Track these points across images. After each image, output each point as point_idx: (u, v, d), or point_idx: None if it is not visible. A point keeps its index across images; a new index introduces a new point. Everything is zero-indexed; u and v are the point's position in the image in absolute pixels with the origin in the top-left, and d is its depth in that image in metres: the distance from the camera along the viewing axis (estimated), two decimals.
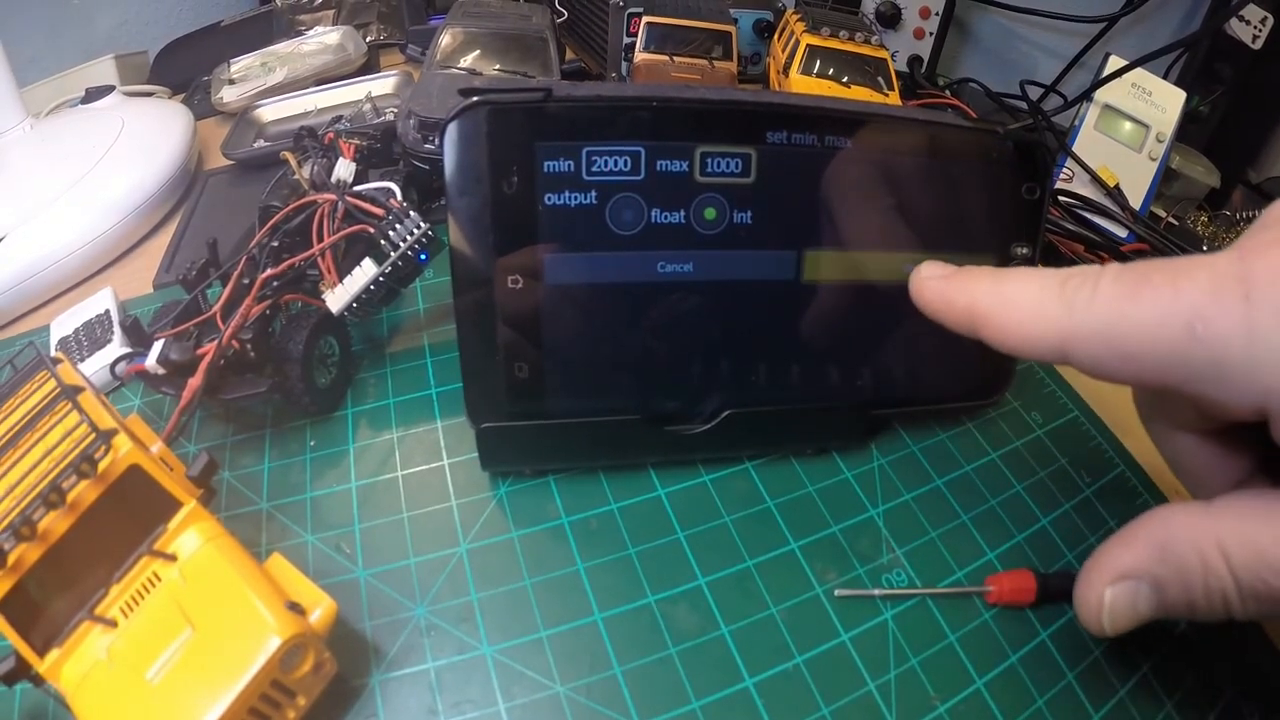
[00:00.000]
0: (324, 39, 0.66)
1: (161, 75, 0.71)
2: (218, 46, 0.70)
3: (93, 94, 0.57)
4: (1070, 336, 0.19)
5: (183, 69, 0.70)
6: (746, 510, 0.31)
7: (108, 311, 0.43)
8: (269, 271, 0.32)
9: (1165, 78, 0.55)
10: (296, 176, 0.38)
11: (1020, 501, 0.32)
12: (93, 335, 0.42)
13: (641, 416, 0.30)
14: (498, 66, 0.48)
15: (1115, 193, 0.51)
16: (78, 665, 0.23)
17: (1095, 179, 0.51)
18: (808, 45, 0.54)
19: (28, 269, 0.47)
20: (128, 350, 0.39)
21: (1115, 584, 0.20)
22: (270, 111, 0.60)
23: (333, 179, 0.38)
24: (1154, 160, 0.52)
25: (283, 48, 0.65)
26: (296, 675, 0.23)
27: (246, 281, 0.33)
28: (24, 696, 0.26)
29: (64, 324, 0.44)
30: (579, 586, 0.28)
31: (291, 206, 0.35)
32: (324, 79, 0.62)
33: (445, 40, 0.49)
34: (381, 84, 0.61)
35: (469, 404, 0.30)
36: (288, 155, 0.39)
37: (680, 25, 0.53)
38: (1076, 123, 0.53)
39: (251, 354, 0.32)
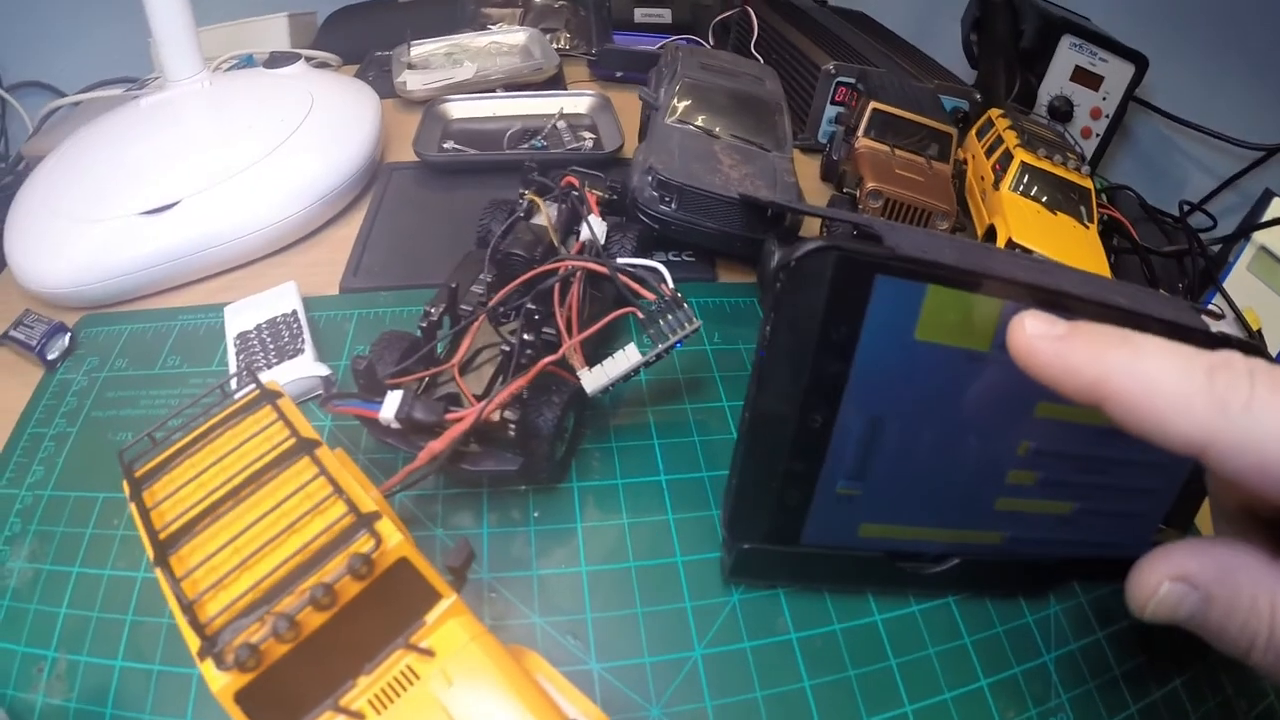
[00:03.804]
0: (510, 38, 0.63)
1: (328, 40, 0.68)
2: (392, 22, 0.67)
3: (278, 59, 0.54)
4: (1217, 440, 0.18)
5: (351, 37, 0.67)
6: (947, 644, 0.32)
7: (295, 313, 0.41)
8: (546, 360, 0.30)
9: None
10: (545, 224, 0.36)
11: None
12: (279, 338, 0.40)
13: (884, 552, 0.31)
14: (732, 132, 0.45)
15: (1256, 337, 0.49)
16: None
17: (1239, 319, 0.49)
18: (1022, 162, 0.52)
19: (201, 241, 0.44)
20: (332, 380, 0.37)
21: (1175, 581, 0.21)
22: (456, 108, 0.57)
23: (583, 236, 0.36)
24: None
25: (469, 39, 0.62)
26: None
27: (506, 349, 0.31)
28: None
29: (242, 313, 0.41)
30: (804, 705, 0.29)
31: (548, 267, 0.33)
32: (513, 84, 0.60)
33: (678, 89, 0.46)
34: (574, 102, 0.58)
35: (733, 523, 0.29)
36: (535, 199, 0.37)
37: (904, 118, 0.51)
38: (1232, 259, 0.52)
39: (511, 433, 0.30)
